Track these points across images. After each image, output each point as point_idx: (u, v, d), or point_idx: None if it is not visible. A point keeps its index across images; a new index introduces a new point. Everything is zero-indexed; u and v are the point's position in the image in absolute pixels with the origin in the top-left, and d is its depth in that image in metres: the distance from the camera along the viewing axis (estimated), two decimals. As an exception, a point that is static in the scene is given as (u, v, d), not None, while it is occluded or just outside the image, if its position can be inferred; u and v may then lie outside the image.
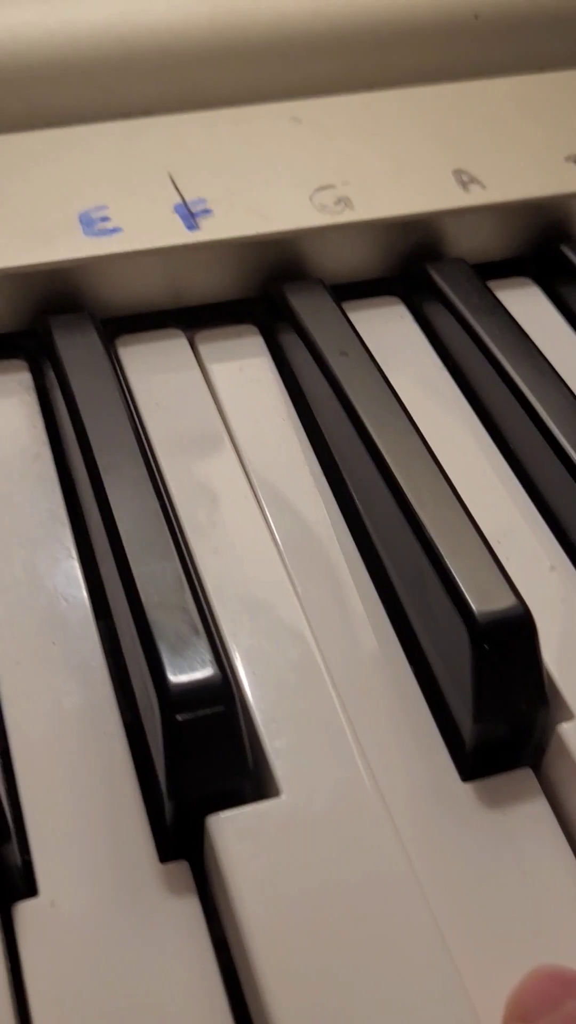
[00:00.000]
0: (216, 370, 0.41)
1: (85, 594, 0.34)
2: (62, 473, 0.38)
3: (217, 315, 0.44)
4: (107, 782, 0.30)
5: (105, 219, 0.42)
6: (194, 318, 0.43)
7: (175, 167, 0.44)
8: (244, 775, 0.29)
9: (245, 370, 0.41)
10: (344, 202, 0.43)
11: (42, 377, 0.41)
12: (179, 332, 0.43)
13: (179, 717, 0.29)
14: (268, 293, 0.43)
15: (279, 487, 0.38)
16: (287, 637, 0.32)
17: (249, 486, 0.37)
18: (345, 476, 0.38)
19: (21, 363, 0.41)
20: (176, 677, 0.29)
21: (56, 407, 0.39)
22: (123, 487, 0.34)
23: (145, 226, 0.42)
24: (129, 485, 0.34)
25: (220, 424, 0.39)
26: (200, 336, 0.43)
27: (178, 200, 0.43)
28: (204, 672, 0.29)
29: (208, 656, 0.30)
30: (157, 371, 0.40)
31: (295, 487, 0.38)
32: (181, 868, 0.28)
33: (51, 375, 0.39)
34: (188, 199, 0.43)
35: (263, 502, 0.37)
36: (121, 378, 0.39)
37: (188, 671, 0.29)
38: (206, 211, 0.42)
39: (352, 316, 0.42)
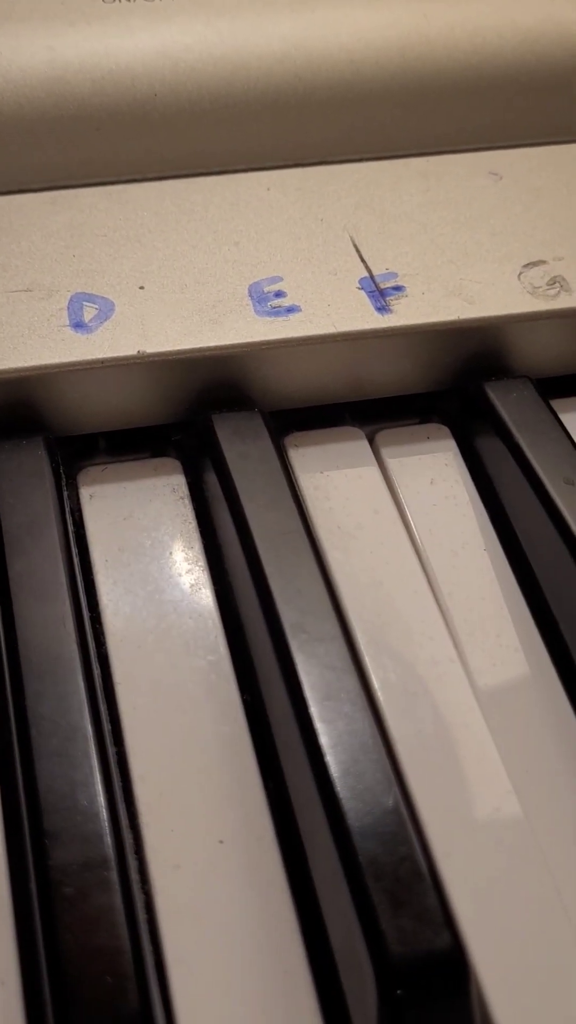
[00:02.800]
0: (404, 485, 0.34)
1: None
2: (220, 596, 0.32)
3: (396, 408, 0.37)
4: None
5: (280, 294, 0.35)
6: (370, 411, 0.37)
7: (358, 230, 0.37)
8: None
9: (438, 484, 0.35)
10: (559, 283, 0.36)
11: (193, 473, 0.35)
12: (358, 431, 0.36)
13: (400, 995, 0.23)
14: (460, 387, 0.37)
15: (485, 642, 0.31)
16: (523, 872, 0.26)
17: (451, 640, 0.31)
18: (565, 632, 0.31)
19: (172, 462, 0.35)
20: (399, 946, 0.23)
21: (220, 527, 0.33)
22: (314, 657, 0.28)
23: (327, 305, 0.35)
24: (321, 653, 0.28)
25: (414, 558, 0.32)
26: (382, 437, 0.36)
27: (363, 273, 0.36)
28: (437, 942, 0.23)
29: (439, 916, 0.23)
30: (339, 488, 0.34)
31: (504, 643, 0.31)
32: None
33: (213, 485, 0.33)
34: (375, 272, 0.36)
35: (469, 666, 0.30)
36: (298, 496, 0.32)
37: (415, 938, 0.23)
38: (397, 288, 0.36)
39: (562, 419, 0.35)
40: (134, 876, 0.25)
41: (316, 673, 0.27)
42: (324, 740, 0.26)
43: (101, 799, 0.24)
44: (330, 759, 0.25)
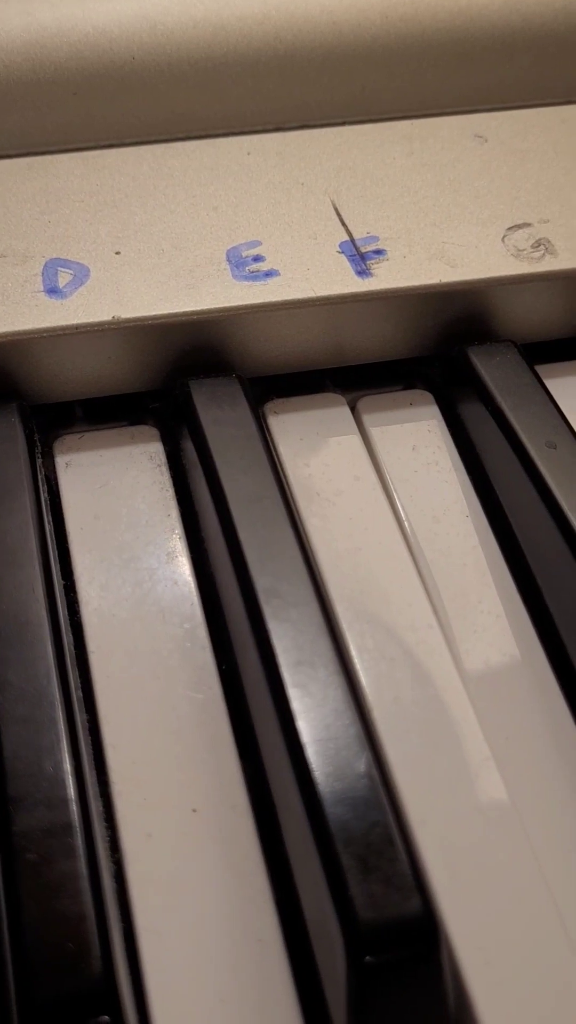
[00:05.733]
0: (386, 451, 0.34)
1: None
2: (197, 564, 0.31)
3: (378, 374, 0.37)
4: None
5: (259, 259, 0.34)
6: (353, 377, 0.36)
7: (339, 194, 0.37)
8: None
9: (420, 451, 0.34)
10: (544, 246, 0.36)
11: (171, 441, 0.34)
12: (339, 397, 0.35)
13: (369, 961, 0.22)
14: (444, 353, 0.36)
15: (467, 608, 0.31)
16: (499, 844, 0.25)
17: (431, 607, 0.30)
18: (547, 599, 0.31)
19: (150, 430, 0.34)
20: (368, 912, 0.23)
21: (196, 494, 0.32)
22: (287, 622, 0.27)
23: (306, 269, 0.34)
24: (294, 618, 0.27)
25: (394, 525, 0.32)
26: (364, 403, 0.35)
27: (344, 237, 0.35)
28: (406, 907, 0.23)
29: (410, 880, 0.23)
30: (319, 454, 0.33)
31: (486, 608, 0.31)
32: None
33: (190, 452, 0.32)
34: (356, 236, 0.35)
35: (451, 631, 0.30)
36: (277, 463, 0.32)
37: (384, 903, 0.23)
38: (379, 252, 0.35)
39: (547, 385, 0.34)
40: (103, 844, 0.25)
41: (289, 637, 0.27)
42: (296, 705, 0.25)
43: (67, 765, 0.24)
44: (301, 724, 0.25)
